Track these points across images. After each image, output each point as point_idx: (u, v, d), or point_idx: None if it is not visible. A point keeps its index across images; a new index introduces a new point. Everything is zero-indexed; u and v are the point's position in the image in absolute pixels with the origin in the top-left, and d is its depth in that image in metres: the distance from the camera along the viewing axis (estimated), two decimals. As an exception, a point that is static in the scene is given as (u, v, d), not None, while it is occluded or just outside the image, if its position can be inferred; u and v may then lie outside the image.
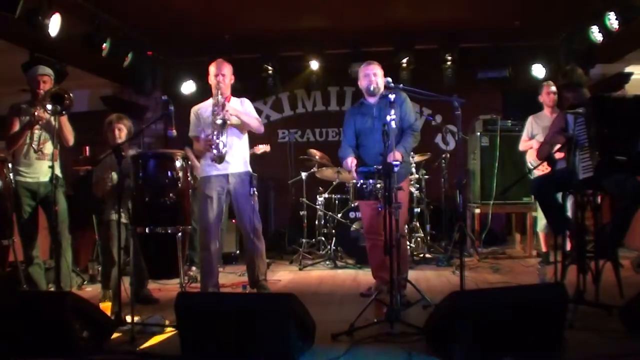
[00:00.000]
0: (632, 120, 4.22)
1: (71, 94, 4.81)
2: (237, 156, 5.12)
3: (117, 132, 5.13)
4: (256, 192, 5.08)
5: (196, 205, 5.52)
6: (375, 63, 5.11)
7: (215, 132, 4.93)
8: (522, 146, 6.75)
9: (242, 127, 5.17)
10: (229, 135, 5.04)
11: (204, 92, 6.73)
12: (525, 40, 8.02)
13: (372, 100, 5.06)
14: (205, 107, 5.19)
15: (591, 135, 4.24)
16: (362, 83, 5.09)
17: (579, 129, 4.35)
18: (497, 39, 8.04)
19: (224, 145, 4.96)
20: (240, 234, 7.25)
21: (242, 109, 5.20)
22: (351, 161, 4.91)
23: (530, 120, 6.66)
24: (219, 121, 4.95)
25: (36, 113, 4.88)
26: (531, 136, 6.60)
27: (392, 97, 4.27)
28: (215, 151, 4.94)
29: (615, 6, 6.33)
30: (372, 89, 4.98)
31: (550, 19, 7.27)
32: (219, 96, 5.02)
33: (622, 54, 7.69)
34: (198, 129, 5.13)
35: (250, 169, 5.23)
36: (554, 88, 6.48)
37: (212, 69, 5.17)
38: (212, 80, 5.14)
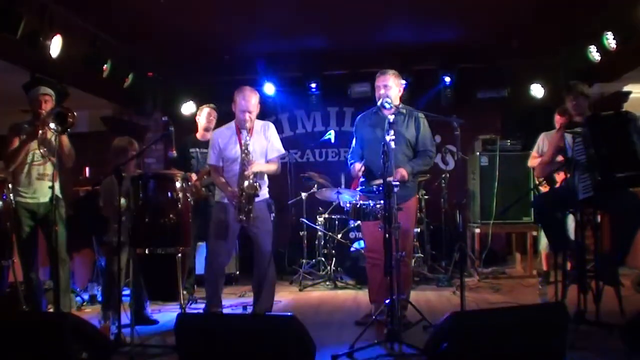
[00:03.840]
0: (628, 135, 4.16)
1: (75, 113, 4.78)
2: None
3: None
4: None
5: (195, 225, 5.46)
6: (390, 73, 4.75)
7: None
8: (531, 162, 6.71)
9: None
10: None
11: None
12: (524, 60, 8.07)
13: (387, 112, 4.66)
14: (225, 137, 4.94)
15: (590, 156, 4.17)
16: (376, 94, 4.77)
17: (577, 148, 4.32)
18: (496, 59, 8.09)
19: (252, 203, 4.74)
20: (244, 257, 7.26)
21: (265, 137, 4.94)
22: (359, 166, 4.70)
23: (542, 137, 6.60)
24: (251, 178, 4.70)
25: (40, 131, 4.87)
26: (541, 153, 6.58)
27: (391, 117, 4.25)
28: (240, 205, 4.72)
29: (613, 26, 6.38)
30: (384, 104, 4.61)
31: (548, 38, 7.32)
32: (248, 147, 4.73)
33: (620, 73, 7.72)
34: (217, 158, 4.93)
35: (268, 195, 5.07)
36: None
37: (240, 101, 4.80)
38: (238, 114, 4.83)
